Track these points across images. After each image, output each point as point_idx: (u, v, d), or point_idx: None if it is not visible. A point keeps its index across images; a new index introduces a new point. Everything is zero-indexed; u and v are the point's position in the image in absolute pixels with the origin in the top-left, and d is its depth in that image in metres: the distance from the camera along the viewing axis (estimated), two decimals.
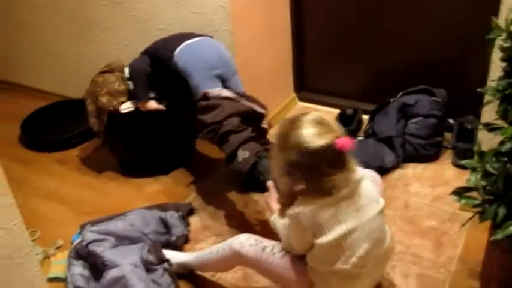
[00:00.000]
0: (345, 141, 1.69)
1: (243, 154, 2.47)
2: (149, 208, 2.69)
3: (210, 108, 2.56)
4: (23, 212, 1.85)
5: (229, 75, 2.73)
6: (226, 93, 2.63)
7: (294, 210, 1.80)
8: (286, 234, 1.92)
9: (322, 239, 1.79)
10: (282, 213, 1.95)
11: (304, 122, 1.74)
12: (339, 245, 1.81)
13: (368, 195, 1.83)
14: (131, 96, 2.93)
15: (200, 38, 2.79)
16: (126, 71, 3.09)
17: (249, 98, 2.70)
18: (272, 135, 2.59)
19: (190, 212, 2.75)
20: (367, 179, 1.86)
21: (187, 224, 2.65)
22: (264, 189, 2.20)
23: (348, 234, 1.78)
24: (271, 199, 2.14)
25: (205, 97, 2.60)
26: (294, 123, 1.76)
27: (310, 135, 1.70)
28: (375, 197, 1.87)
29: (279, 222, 2.03)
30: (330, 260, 1.83)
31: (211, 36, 2.86)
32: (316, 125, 1.73)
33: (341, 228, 1.77)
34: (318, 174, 1.72)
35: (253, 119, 2.66)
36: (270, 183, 2.18)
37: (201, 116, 2.58)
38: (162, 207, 2.70)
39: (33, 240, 2.55)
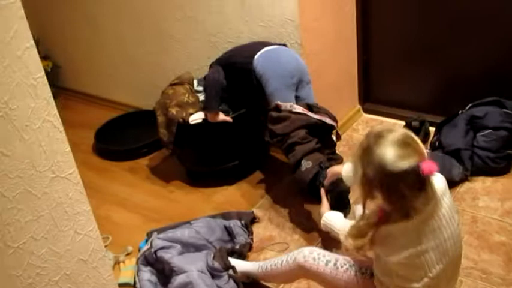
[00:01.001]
0: (430, 166, 1.61)
1: (306, 164, 2.53)
2: (213, 217, 2.77)
3: (281, 120, 2.64)
4: (96, 218, 1.95)
5: (304, 84, 2.78)
6: (297, 108, 2.67)
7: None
8: (350, 223, 1.93)
9: (393, 257, 1.79)
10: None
11: (388, 140, 1.65)
12: (411, 265, 1.79)
13: (448, 211, 1.76)
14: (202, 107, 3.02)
15: (277, 46, 2.84)
16: (196, 83, 3.19)
17: (320, 110, 2.73)
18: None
19: (253, 220, 2.80)
20: (447, 194, 1.79)
21: (250, 233, 2.70)
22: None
23: (421, 254, 1.75)
24: (322, 205, 2.24)
25: (277, 108, 2.67)
26: (378, 138, 1.67)
27: (393, 157, 1.62)
28: (454, 208, 1.81)
29: (330, 219, 2.13)
30: (398, 274, 1.83)
31: (285, 45, 2.91)
32: (400, 145, 1.64)
33: (415, 249, 1.75)
34: (396, 195, 1.66)
35: (321, 131, 2.69)
36: (322, 192, 2.30)
37: (271, 126, 2.67)
38: (226, 216, 2.77)
39: (105, 246, 2.65)
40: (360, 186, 1.74)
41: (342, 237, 1.99)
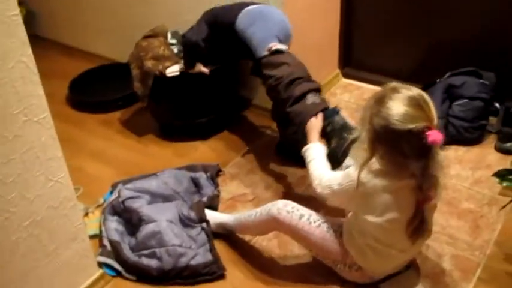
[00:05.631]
0: (436, 136, 1.60)
1: (313, 98, 2.35)
2: (179, 169, 2.77)
3: (278, 64, 2.50)
4: (68, 170, 1.92)
5: (287, 43, 2.68)
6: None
7: (364, 176, 1.76)
8: (333, 179, 1.91)
9: (369, 218, 1.81)
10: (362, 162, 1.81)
11: (402, 96, 1.64)
12: (384, 230, 1.83)
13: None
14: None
15: (262, 5, 2.76)
16: (169, 35, 3.14)
17: None
18: None
19: (218, 173, 2.81)
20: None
21: (216, 185, 2.71)
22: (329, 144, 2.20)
23: (395, 222, 1.79)
24: (315, 128, 2.19)
25: (272, 52, 2.53)
26: (393, 91, 1.67)
27: (401, 115, 1.61)
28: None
29: (314, 153, 2.08)
30: (371, 235, 1.86)
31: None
32: (413, 105, 1.62)
33: (392, 215, 1.78)
34: (396, 151, 1.67)
35: None
36: (320, 115, 2.24)
37: (268, 71, 2.51)
38: (191, 168, 2.78)
39: (76, 197, 2.63)
40: (365, 137, 1.74)
41: (315, 182, 1.99)
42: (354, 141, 1.85)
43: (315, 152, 2.11)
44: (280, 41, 2.60)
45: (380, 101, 1.67)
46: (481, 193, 2.56)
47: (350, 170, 1.82)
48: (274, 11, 2.74)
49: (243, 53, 2.75)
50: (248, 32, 2.63)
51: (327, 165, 2.06)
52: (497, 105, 2.98)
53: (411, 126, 1.59)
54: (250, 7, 2.72)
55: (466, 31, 3.05)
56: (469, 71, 2.96)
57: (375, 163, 1.75)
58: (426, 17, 3.16)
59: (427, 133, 1.59)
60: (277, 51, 2.54)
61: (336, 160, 2.17)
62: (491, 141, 2.90)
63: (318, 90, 2.44)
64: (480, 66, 2.97)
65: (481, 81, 2.89)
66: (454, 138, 2.88)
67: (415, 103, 1.63)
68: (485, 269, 2.16)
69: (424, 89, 3.03)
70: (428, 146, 1.62)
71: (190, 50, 2.90)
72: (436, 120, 1.64)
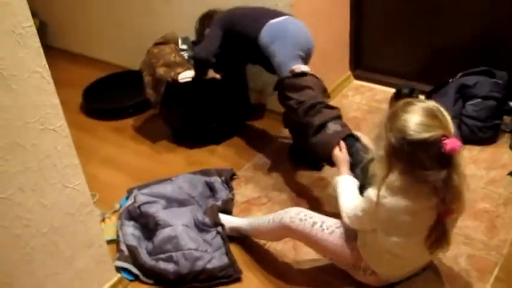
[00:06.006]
0: (454, 143, 1.55)
1: (334, 127, 2.32)
2: (193, 173, 2.79)
3: (302, 88, 2.46)
4: (84, 176, 1.94)
5: (308, 59, 2.67)
6: (310, 71, 2.53)
7: (382, 195, 1.71)
8: (357, 206, 1.89)
9: (387, 237, 1.80)
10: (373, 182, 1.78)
11: (416, 108, 1.61)
12: (402, 247, 1.82)
13: None
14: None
15: (285, 17, 2.68)
16: (180, 41, 3.17)
17: None
18: None
19: (232, 177, 2.82)
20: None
21: (230, 189, 2.72)
22: (354, 173, 2.15)
23: (414, 241, 1.79)
24: (343, 161, 2.16)
25: (294, 74, 2.50)
26: (406, 105, 1.64)
27: (416, 125, 1.58)
28: None
29: (343, 186, 2.04)
30: (387, 250, 1.85)
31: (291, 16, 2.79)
32: (427, 115, 1.59)
33: (411, 236, 1.77)
34: (415, 166, 1.62)
35: None
36: (342, 144, 2.20)
37: (291, 94, 2.48)
38: (205, 172, 2.80)
39: (93, 203, 2.65)
40: (382, 155, 1.69)
41: (343, 214, 1.97)
42: (371, 160, 1.81)
43: (344, 184, 2.07)
44: (303, 59, 2.58)
45: (394, 115, 1.65)
46: (496, 193, 2.54)
47: (370, 192, 1.78)
48: (297, 25, 2.67)
49: (256, 60, 2.76)
50: (271, 48, 2.57)
51: (355, 196, 1.99)
52: (510, 104, 2.96)
53: (427, 135, 1.56)
54: (274, 20, 2.63)
55: (477, 30, 3.04)
56: (482, 70, 2.95)
57: (395, 181, 1.70)
58: (436, 18, 3.16)
59: (444, 141, 1.55)
60: (301, 74, 2.50)
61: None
62: (505, 140, 2.88)
63: (338, 117, 2.39)
64: (492, 65, 2.95)
65: (494, 80, 2.88)
66: (467, 138, 2.86)
67: (430, 113, 1.60)
68: (502, 269, 2.14)
69: (436, 89, 3.06)
70: (448, 155, 1.57)
71: (200, 64, 2.90)
72: (452, 129, 1.60)
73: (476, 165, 2.74)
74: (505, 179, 2.48)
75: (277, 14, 2.71)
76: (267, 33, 2.60)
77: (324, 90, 2.54)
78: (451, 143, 1.54)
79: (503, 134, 2.92)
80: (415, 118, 1.59)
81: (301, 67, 2.52)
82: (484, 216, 2.42)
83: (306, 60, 2.63)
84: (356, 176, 2.13)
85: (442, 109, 1.64)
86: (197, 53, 2.89)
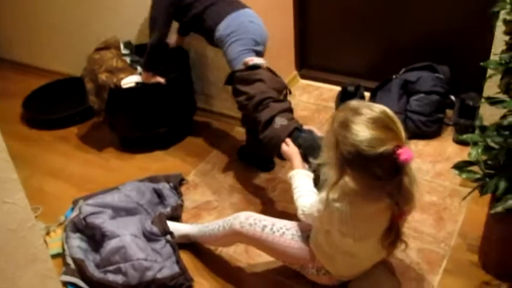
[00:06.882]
0: (407, 153, 1.53)
1: (281, 121, 2.31)
2: (141, 181, 2.74)
3: (253, 81, 2.44)
4: (28, 189, 1.86)
5: (262, 54, 2.65)
6: (264, 64, 2.52)
7: (334, 198, 1.70)
8: (313, 206, 1.87)
9: (343, 239, 1.79)
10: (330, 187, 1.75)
11: (365, 119, 1.58)
12: (358, 247, 1.83)
13: None
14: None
15: (245, 9, 2.66)
16: (122, 46, 3.10)
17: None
18: None
19: (181, 182, 2.79)
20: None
21: (180, 195, 2.68)
22: (308, 162, 2.13)
23: (370, 242, 1.80)
24: (293, 154, 2.13)
25: (247, 67, 2.47)
26: (355, 113, 1.60)
27: (369, 140, 1.54)
28: None
29: (298, 181, 2.02)
30: (342, 250, 1.86)
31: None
32: (379, 128, 1.56)
33: (366, 240, 1.78)
34: (368, 176, 1.61)
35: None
36: (288, 140, 2.18)
37: (241, 87, 2.46)
38: (153, 179, 2.75)
39: (36, 217, 2.56)
40: (333, 160, 1.67)
41: (299, 211, 1.95)
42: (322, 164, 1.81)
43: (298, 179, 2.04)
44: (257, 53, 2.57)
45: (344, 125, 1.61)
46: (442, 185, 2.59)
47: (323, 194, 1.76)
48: (254, 18, 2.66)
49: (200, 32, 2.75)
50: (227, 40, 2.56)
51: (310, 190, 1.99)
52: (452, 98, 3.04)
53: (381, 149, 1.54)
54: (233, 14, 2.61)
55: (420, 27, 3.10)
56: (424, 65, 3.01)
57: (347, 184, 1.69)
58: (381, 15, 3.20)
59: (398, 152, 1.53)
60: (254, 67, 2.48)
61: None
62: (449, 133, 2.95)
63: (286, 110, 2.38)
64: (435, 61, 3.01)
65: (436, 75, 2.94)
66: (413, 133, 2.91)
67: (381, 125, 1.57)
68: (450, 260, 2.18)
69: (381, 86, 3.09)
70: (401, 164, 1.58)
71: (157, 52, 2.81)
72: (403, 135, 1.59)
73: (422, 159, 2.79)
74: (450, 172, 2.53)
75: (238, 5, 2.67)
76: (225, 26, 2.58)
77: (280, 86, 2.50)
78: (405, 153, 1.53)
79: (447, 128, 2.99)
80: (366, 133, 1.55)
81: (254, 59, 2.50)
82: (431, 209, 2.46)
83: (260, 54, 2.62)
84: (310, 165, 2.13)
85: (391, 115, 1.61)
86: (152, 42, 2.77)
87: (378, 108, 1.61)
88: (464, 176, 1.93)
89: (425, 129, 2.91)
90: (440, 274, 2.13)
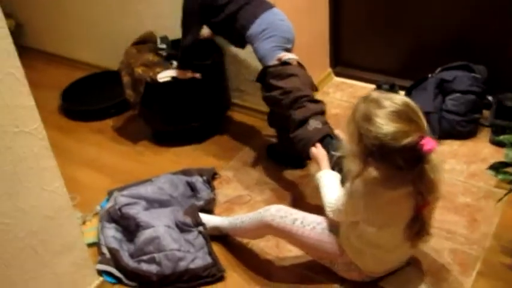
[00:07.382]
0: (431, 143, 1.57)
1: (315, 123, 2.31)
2: (174, 173, 2.77)
3: (287, 75, 2.45)
4: (63, 179, 1.91)
5: (291, 52, 2.65)
6: (295, 59, 2.53)
7: (358, 189, 1.73)
8: (338, 199, 1.89)
9: (369, 228, 1.81)
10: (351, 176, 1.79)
11: (388, 112, 1.60)
12: (384, 238, 1.83)
13: None
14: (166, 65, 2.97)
15: (274, 8, 2.68)
16: (159, 41, 3.13)
17: None
18: None
19: (214, 176, 2.81)
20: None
21: (212, 188, 2.71)
22: (333, 168, 2.14)
23: (395, 232, 1.80)
24: (322, 157, 2.15)
25: (282, 62, 2.50)
26: (377, 105, 1.62)
27: (393, 133, 1.57)
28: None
29: (325, 181, 2.04)
30: (369, 241, 1.86)
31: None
32: (402, 120, 1.59)
33: (391, 227, 1.79)
34: (391, 166, 1.64)
35: None
36: (318, 144, 2.20)
37: (275, 82, 2.47)
38: (186, 172, 2.78)
39: (72, 206, 2.62)
40: (356, 153, 1.70)
41: (326, 209, 1.98)
42: (343, 157, 1.83)
43: (325, 179, 2.07)
44: (287, 51, 2.58)
45: (367, 118, 1.63)
46: (476, 186, 2.56)
47: (348, 186, 1.79)
48: (283, 17, 2.67)
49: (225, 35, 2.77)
50: (259, 37, 2.57)
51: (337, 190, 2.00)
52: (489, 98, 2.99)
53: (405, 141, 1.57)
54: (266, 13, 2.62)
55: (457, 25, 3.06)
56: (460, 65, 2.97)
57: (370, 173, 1.70)
58: (415, 13, 3.16)
59: (422, 142, 1.57)
60: (287, 63, 2.50)
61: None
62: (485, 134, 2.91)
63: (321, 113, 2.38)
64: (471, 60, 2.97)
65: (473, 75, 2.89)
66: (447, 133, 2.88)
67: (404, 117, 1.59)
68: (484, 263, 2.16)
69: (416, 84, 3.06)
70: (424, 154, 1.60)
71: (189, 53, 2.85)
72: (425, 125, 1.62)
73: (456, 159, 2.75)
74: (485, 173, 2.49)
75: (267, 5, 2.69)
76: (258, 24, 2.59)
77: (311, 82, 2.53)
78: (428, 143, 1.57)
79: (483, 128, 2.94)
80: (389, 126, 1.58)
81: (288, 55, 2.52)
82: (465, 210, 2.43)
83: (289, 51, 2.62)
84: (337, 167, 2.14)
85: (412, 105, 1.63)
86: (185, 43, 2.81)
87: (400, 100, 1.64)
88: (500, 177, 1.92)
89: (459, 129, 2.88)
90: (474, 276, 2.10)
